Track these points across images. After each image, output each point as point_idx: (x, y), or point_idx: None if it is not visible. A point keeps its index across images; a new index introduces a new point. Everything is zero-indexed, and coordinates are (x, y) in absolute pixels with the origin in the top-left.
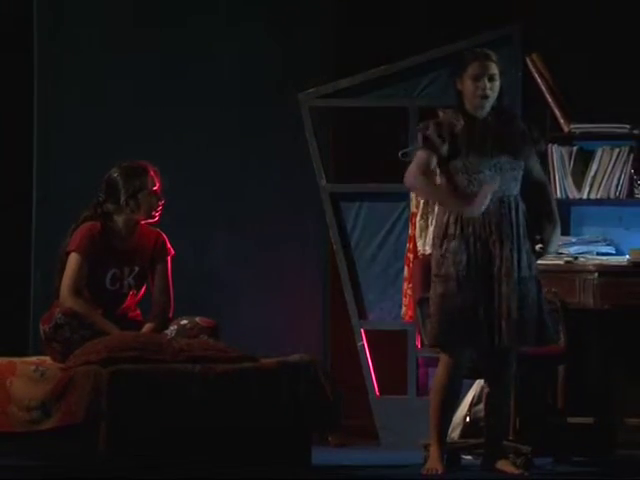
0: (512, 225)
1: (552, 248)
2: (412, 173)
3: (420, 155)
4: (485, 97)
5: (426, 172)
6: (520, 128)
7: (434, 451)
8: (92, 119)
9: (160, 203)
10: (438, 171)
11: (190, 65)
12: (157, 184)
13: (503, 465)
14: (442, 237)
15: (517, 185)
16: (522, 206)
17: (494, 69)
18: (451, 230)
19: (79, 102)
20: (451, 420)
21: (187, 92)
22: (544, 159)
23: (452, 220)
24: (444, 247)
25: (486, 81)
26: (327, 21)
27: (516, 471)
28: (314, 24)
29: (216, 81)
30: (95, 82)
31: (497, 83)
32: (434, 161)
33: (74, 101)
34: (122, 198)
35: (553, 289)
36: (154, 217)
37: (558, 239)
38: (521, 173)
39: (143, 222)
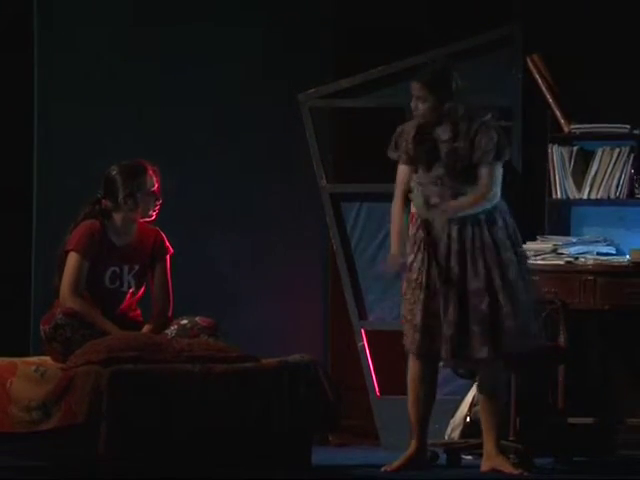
0: (469, 240)
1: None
2: (395, 195)
3: (398, 169)
4: (416, 114)
5: (405, 188)
6: (471, 136)
7: (412, 444)
8: (92, 119)
9: (158, 202)
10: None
11: (190, 65)
12: (156, 184)
13: (501, 465)
14: (412, 245)
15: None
16: (488, 218)
17: (419, 89)
18: (418, 242)
19: (79, 102)
20: (429, 415)
21: (187, 92)
22: (544, 159)
23: (419, 232)
24: (414, 255)
25: (415, 100)
26: (327, 21)
27: (515, 471)
28: (314, 24)
29: (216, 81)
30: (95, 82)
31: (427, 104)
32: (410, 172)
33: (74, 101)
34: (120, 197)
35: (553, 289)
36: (151, 216)
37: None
38: (470, 187)
39: (140, 220)
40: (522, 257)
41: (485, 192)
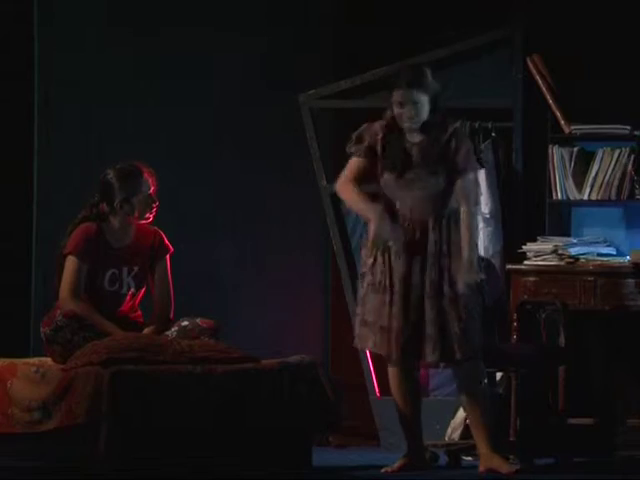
0: (430, 244)
1: (462, 283)
2: (340, 179)
3: (351, 162)
4: (409, 122)
5: (356, 179)
6: (443, 142)
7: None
8: (92, 119)
9: (154, 205)
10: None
11: (190, 65)
12: (152, 186)
13: (497, 465)
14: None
15: (437, 203)
16: (450, 223)
17: (416, 95)
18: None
19: (79, 102)
20: (418, 415)
21: (187, 92)
22: (545, 160)
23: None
24: (374, 257)
25: (410, 106)
26: (327, 22)
27: (511, 470)
28: (315, 25)
29: (216, 81)
30: (95, 82)
31: (422, 106)
32: (364, 168)
33: (74, 101)
34: (116, 201)
35: (553, 290)
36: (148, 218)
37: (469, 271)
38: (444, 190)
39: (137, 223)
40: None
41: (467, 204)
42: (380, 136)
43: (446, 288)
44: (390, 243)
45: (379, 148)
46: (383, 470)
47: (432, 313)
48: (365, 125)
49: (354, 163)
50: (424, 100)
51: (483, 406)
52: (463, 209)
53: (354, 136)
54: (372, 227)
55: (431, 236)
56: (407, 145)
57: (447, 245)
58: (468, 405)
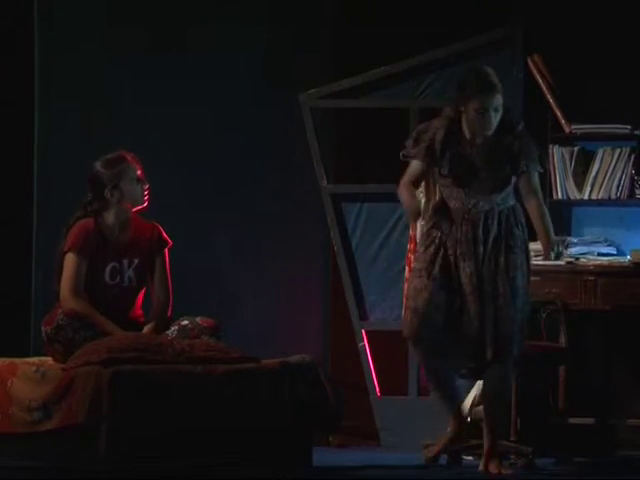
0: (483, 238)
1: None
2: (402, 181)
3: (412, 164)
4: (489, 129)
5: (414, 182)
6: (507, 144)
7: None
8: (92, 119)
9: (145, 188)
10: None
11: (190, 65)
12: (138, 169)
13: (491, 465)
14: (424, 239)
15: (495, 201)
16: (509, 218)
17: (499, 100)
18: (432, 234)
19: (79, 102)
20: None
21: (188, 92)
22: (545, 160)
23: (433, 230)
24: (425, 247)
25: (491, 113)
26: (328, 21)
27: (503, 471)
28: (315, 24)
29: (217, 81)
30: (95, 82)
31: (501, 109)
32: (423, 171)
33: (74, 101)
34: (106, 190)
35: (554, 289)
36: (142, 203)
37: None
38: (504, 189)
39: (134, 210)
40: (528, 262)
41: (537, 199)
42: (440, 137)
43: (500, 287)
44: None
45: (438, 148)
46: (424, 457)
47: (489, 311)
48: (423, 125)
49: (414, 166)
50: (502, 104)
51: (503, 410)
52: (533, 203)
53: (412, 137)
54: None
55: (492, 231)
56: (468, 145)
57: (506, 241)
58: (490, 405)
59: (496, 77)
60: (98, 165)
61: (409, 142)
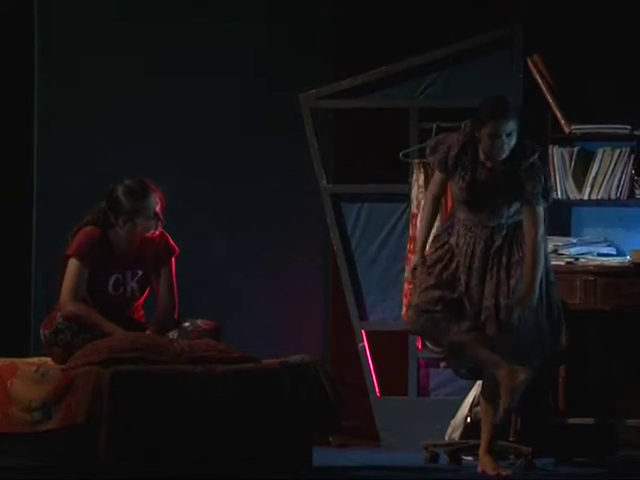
0: (493, 251)
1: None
2: (427, 194)
3: (435, 176)
4: (501, 155)
5: (440, 194)
6: (520, 171)
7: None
8: (93, 119)
9: (159, 223)
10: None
11: (190, 64)
12: (158, 205)
13: (486, 466)
14: (436, 240)
15: (509, 217)
16: (516, 231)
17: (511, 126)
18: (444, 237)
19: (80, 102)
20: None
21: (187, 92)
22: (545, 160)
23: (448, 229)
24: (434, 250)
25: (504, 138)
26: (328, 21)
27: (500, 472)
28: (315, 24)
29: (217, 81)
30: (95, 81)
31: (513, 138)
32: (445, 181)
33: (75, 101)
34: (120, 219)
35: None
36: (153, 234)
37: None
38: (511, 209)
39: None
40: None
41: (535, 233)
42: (454, 152)
43: (502, 300)
44: None
45: (450, 163)
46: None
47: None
48: (442, 135)
49: (436, 175)
50: (515, 131)
51: (505, 409)
52: (529, 238)
53: (430, 145)
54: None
55: (495, 245)
56: (479, 166)
57: (508, 256)
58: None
59: (511, 104)
60: (120, 191)
61: (428, 150)
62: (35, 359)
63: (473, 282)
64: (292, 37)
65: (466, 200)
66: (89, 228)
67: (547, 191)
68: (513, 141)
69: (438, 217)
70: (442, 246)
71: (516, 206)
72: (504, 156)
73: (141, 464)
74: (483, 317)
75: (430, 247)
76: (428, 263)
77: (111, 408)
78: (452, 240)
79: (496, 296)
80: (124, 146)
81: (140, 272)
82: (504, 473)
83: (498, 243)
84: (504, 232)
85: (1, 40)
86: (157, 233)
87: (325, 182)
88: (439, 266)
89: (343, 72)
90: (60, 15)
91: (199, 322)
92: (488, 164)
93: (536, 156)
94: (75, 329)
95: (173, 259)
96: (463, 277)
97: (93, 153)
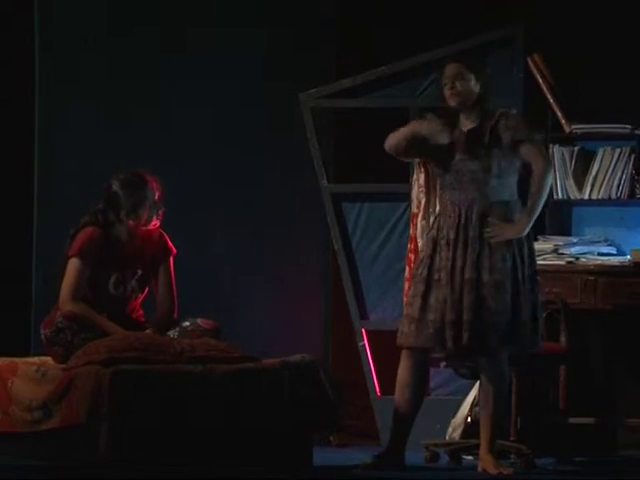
0: (471, 229)
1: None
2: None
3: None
4: (455, 100)
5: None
6: (489, 128)
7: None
8: (93, 119)
9: (160, 211)
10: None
11: (190, 65)
12: (157, 192)
13: (487, 465)
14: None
15: (483, 190)
16: (495, 212)
17: (460, 69)
18: (431, 233)
19: (80, 102)
20: (412, 418)
21: (187, 92)
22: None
23: (431, 224)
24: (422, 249)
25: (456, 84)
26: (328, 21)
27: (501, 471)
28: (315, 24)
29: (217, 81)
30: (96, 82)
31: (468, 84)
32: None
33: (75, 101)
34: (122, 212)
35: (554, 289)
36: (155, 224)
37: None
38: (492, 178)
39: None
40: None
41: (542, 165)
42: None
43: (485, 276)
44: (430, 136)
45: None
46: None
47: (469, 299)
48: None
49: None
50: (471, 78)
51: (495, 406)
52: (536, 171)
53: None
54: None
55: (476, 224)
56: (457, 133)
57: (475, 231)
58: (482, 399)
59: (472, 57)
60: (117, 186)
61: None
62: (35, 359)
63: (458, 253)
64: (292, 37)
65: (447, 170)
66: (89, 229)
67: (530, 124)
68: (470, 91)
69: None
70: (430, 247)
71: (496, 170)
72: (462, 104)
73: (141, 464)
74: (463, 289)
75: (421, 250)
76: (418, 269)
77: (111, 408)
78: (441, 233)
79: (478, 269)
80: (125, 147)
81: (140, 271)
82: (505, 472)
83: (474, 227)
84: (480, 213)
85: (1, 40)
86: (158, 224)
87: (325, 181)
88: (425, 270)
89: (343, 72)
90: (61, 16)
91: (199, 321)
92: (465, 127)
93: (504, 109)
94: (75, 328)
95: (171, 259)
96: (445, 254)
97: (93, 154)
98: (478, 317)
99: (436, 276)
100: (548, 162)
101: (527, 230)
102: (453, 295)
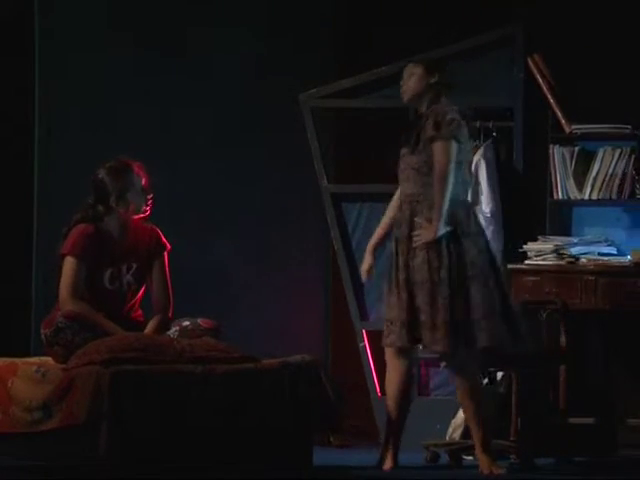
0: (406, 227)
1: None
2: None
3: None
4: (403, 95)
5: None
6: (423, 122)
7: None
8: (93, 119)
9: (149, 197)
10: None
11: (190, 65)
12: (143, 179)
13: (482, 465)
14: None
15: (415, 183)
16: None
17: (410, 68)
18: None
19: (80, 102)
20: (402, 417)
21: (187, 92)
22: (546, 159)
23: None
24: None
25: (407, 81)
26: (328, 21)
27: (495, 470)
28: (315, 24)
29: (217, 81)
30: (96, 82)
31: (411, 78)
32: None
33: (75, 101)
34: (111, 199)
35: (554, 289)
36: (145, 212)
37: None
38: (430, 175)
39: (135, 217)
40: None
41: (439, 168)
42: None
43: (415, 277)
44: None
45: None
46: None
47: (408, 299)
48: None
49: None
50: (418, 72)
51: (474, 404)
52: (435, 173)
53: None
54: None
55: (417, 220)
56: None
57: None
58: (460, 401)
59: (428, 57)
60: (103, 173)
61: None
62: (36, 359)
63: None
64: (292, 37)
65: (399, 167)
66: (81, 226)
67: (443, 124)
68: (413, 84)
69: None
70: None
71: (420, 162)
72: (406, 98)
73: (141, 464)
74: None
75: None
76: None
77: (111, 408)
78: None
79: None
80: (125, 147)
81: (134, 265)
82: (496, 472)
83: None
84: (411, 209)
85: (1, 41)
86: (148, 211)
87: (326, 182)
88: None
89: (343, 72)
90: (61, 15)
91: (199, 321)
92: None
93: (442, 106)
94: (76, 328)
95: (166, 255)
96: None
97: (93, 154)
98: (417, 318)
99: (394, 274)
100: (447, 162)
101: (439, 232)
102: (400, 294)
